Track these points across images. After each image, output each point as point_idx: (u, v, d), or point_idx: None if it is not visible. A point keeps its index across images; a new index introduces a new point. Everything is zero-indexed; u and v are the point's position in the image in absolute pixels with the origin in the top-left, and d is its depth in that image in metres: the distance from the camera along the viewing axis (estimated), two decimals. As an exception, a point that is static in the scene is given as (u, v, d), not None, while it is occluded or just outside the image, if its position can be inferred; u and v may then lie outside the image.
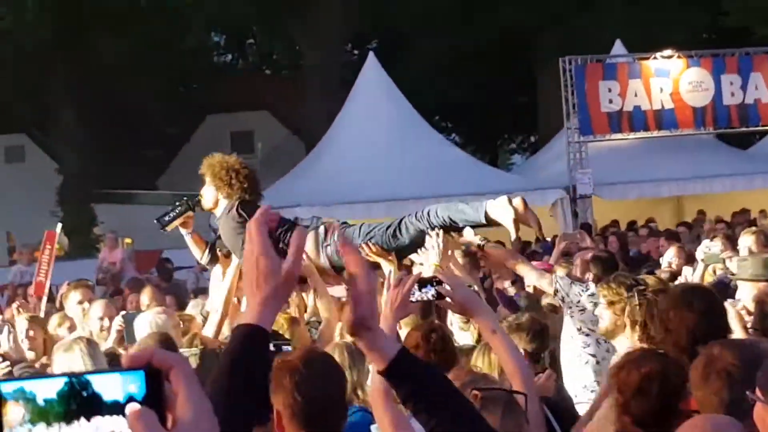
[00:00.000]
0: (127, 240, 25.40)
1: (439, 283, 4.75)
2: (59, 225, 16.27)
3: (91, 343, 6.47)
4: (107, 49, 31.63)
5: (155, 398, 1.72)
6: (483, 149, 48.67)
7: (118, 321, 8.18)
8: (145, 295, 9.90)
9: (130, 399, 1.70)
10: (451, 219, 7.80)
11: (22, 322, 8.75)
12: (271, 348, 4.73)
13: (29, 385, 1.67)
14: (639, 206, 26.53)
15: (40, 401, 1.67)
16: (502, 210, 7.67)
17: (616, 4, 34.97)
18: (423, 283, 4.74)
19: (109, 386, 1.70)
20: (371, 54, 27.47)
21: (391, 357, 3.07)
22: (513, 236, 7.94)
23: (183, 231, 8.62)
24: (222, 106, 40.84)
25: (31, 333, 8.57)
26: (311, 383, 3.83)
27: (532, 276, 8.62)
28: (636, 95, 25.97)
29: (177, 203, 8.60)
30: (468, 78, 40.30)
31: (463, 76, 40.15)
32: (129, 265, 23.06)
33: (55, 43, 31.91)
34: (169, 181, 40.69)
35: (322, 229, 8.12)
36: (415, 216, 7.94)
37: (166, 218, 8.43)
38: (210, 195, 8.28)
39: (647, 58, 26.38)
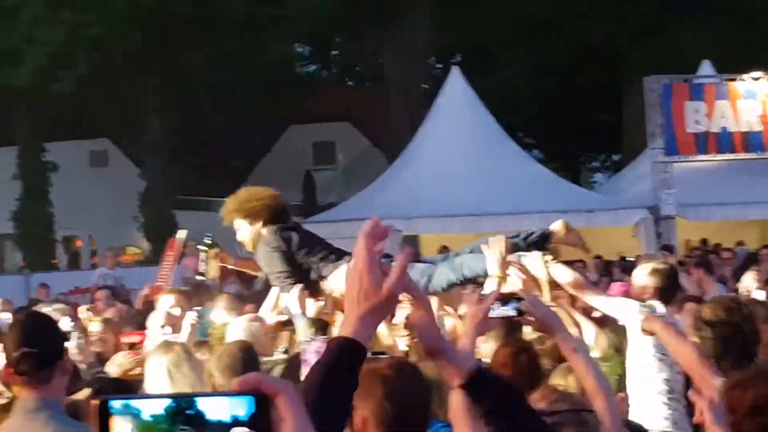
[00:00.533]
0: (202, 248, 25.41)
1: (520, 300, 4.73)
2: (184, 232, 16.39)
3: (186, 348, 6.45)
4: (193, 58, 31.89)
5: (262, 423, 1.76)
6: (565, 166, 48.32)
7: (192, 315, 8.15)
8: (222, 303, 9.83)
9: (236, 422, 1.74)
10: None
11: (95, 326, 8.77)
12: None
13: (136, 403, 1.73)
14: (723, 228, 26.17)
15: (146, 417, 1.72)
16: (536, 264, 7.58)
17: (706, 22, 34.55)
18: (504, 299, 4.73)
19: (216, 408, 1.74)
20: (455, 68, 27.38)
21: (468, 373, 3.14)
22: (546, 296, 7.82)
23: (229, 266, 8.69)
24: (304, 116, 41.01)
25: (104, 336, 8.60)
26: (401, 392, 3.79)
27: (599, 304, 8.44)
28: (723, 116, 25.67)
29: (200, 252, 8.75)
30: (552, 94, 40.08)
31: (547, 91, 39.94)
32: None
33: (142, 51, 32.22)
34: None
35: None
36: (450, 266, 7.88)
37: (202, 270, 8.56)
38: (244, 233, 8.26)
39: (734, 79, 26.05)
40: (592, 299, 8.03)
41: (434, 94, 28.19)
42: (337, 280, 7.96)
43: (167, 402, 1.72)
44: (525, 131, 45.83)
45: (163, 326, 8.49)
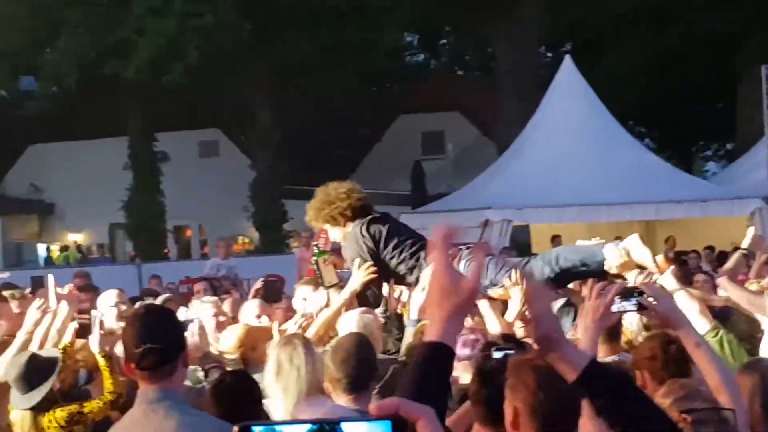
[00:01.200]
0: (318, 236, 25.41)
1: (641, 294, 4.61)
2: None
3: (307, 340, 6.37)
4: (303, 48, 31.92)
5: None
6: (677, 155, 47.54)
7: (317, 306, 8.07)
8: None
9: None
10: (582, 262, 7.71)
11: (206, 309, 8.67)
12: (497, 355, 4.69)
13: (281, 428, 1.79)
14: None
15: None
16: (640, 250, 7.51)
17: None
18: (625, 293, 4.59)
19: None
20: (567, 57, 26.97)
21: (582, 368, 3.08)
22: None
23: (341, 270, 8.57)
24: (414, 106, 40.87)
25: (221, 318, 8.56)
26: (554, 382, 3.63)
27: (743, 299, 8.15)
28: (840, 102, 24.94)
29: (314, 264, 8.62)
30: (664, 82, 39.47)
31: (659, 79, 39.33)
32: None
33: (252, 42, 32.35)
34: (359, 179, 40.63)
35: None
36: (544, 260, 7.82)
37: (321, 281, 8.44)
38: (334, 234, 8.22)
39: None
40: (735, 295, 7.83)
41: (545, 83, 27.82)
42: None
43: (310, 427, 1.77)
44: (636, 120, 45.21)
45: (259, 316, 8.48)
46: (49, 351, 6.95)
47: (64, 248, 40.91)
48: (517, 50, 35.82)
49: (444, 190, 32.04)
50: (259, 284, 11.79)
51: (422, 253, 7.88)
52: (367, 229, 7.93)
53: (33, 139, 42.75)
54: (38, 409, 6.48)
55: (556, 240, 21.00)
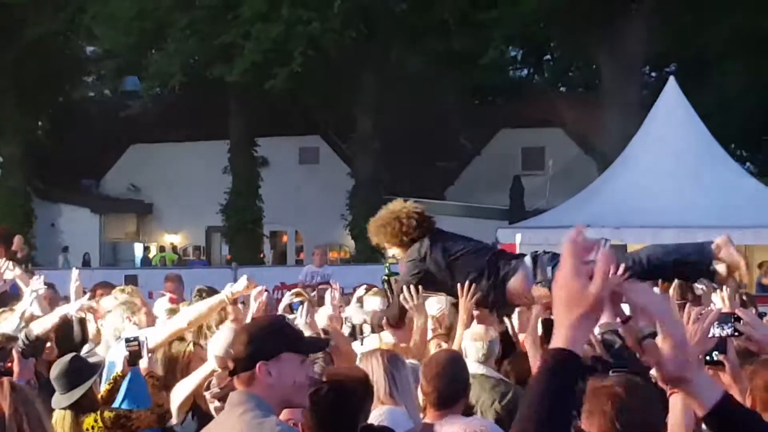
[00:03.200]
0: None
1: (738, 319, 4.57)
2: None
3: (390, 356, 6.43)
4: (408, 58, 31.93)
5: None
6: (778, 181, 46.71)
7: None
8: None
9: None
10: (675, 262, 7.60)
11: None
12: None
13: None
14: None
15: None
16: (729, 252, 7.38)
17: None
18: (722, 319, 4.55)
19: None
20: (672, 78, 26.64)
21: (712, 404, 2.90)
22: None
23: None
24: (515, 121, 40.64)
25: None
26: (633, 412, 3.70)
27: None
28: None
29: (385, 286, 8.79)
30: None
31: (763, 103, 38.71)
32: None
33: (357, 50, 32.43)
34: (457, 191, 40.80)
35: (529, 263, 7.86)
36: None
37: (390, 298, 8.53)
38: (401, 255, 8.19)
39: None
40: None
41: (648, 103, 27.50)
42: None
43: None
44: (738, 143, 44.51)
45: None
46: (95, 356, 7.00)
47: (161, 249, 41.35)
48: (621, 69, 35.49)
49: (542, 206, 31.78)
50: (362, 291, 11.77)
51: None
52: (430, 257, 7.96)
53: (134, 139, 43.29)
54: (80, 410, 6.50)
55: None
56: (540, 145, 41.29)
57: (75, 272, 9.45)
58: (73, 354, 6.90)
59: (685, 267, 7.79)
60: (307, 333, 7.39)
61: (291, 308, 8.24)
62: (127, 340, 7.58)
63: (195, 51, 33.00)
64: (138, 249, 41.36)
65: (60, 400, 6.46)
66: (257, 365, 4.34)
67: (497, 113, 40.51)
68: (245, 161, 37.00)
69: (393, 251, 8.27)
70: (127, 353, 7.35)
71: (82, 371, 6.64)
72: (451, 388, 5.82)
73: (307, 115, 38.08)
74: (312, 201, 37.44)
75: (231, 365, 4.49)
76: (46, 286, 9.13)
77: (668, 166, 23.58)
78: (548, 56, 51.89)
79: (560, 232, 23.13)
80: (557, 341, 2.63)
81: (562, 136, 42.18)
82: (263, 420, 4.25)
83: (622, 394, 3.76)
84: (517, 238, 21.89)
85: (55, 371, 6.53)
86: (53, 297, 10.46)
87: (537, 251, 8.09)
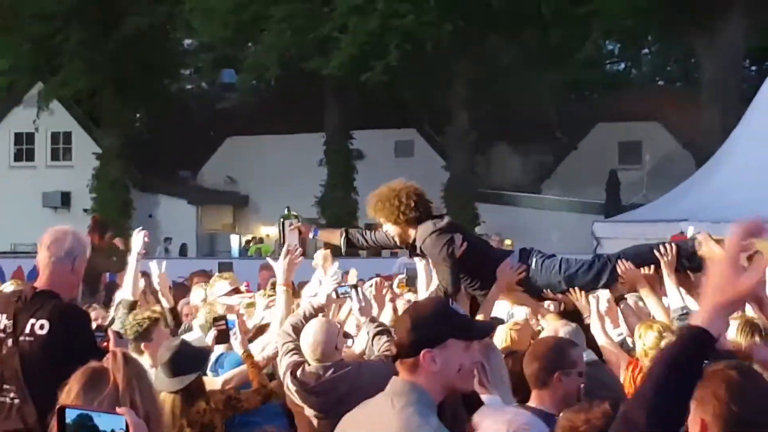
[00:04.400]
0: (507, 241, 25.33)
1: None
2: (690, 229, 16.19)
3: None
4: (505, 51, 31.83)
5: None
6: None
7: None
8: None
9: None
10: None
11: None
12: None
13: None
14: None
15: None
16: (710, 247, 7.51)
17: None
18: None
19: None
20: (773, 71, 26.26)
21: None
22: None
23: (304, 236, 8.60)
24: (612, 114, 40.31)
25: None
26: (748, 397, 3.55)
27: None
28: None
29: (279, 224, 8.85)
30: None
31: None
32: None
33: (453, 43, 32.39)
34: (553, 185, 40.60)
35: (518, 254, 7.99)
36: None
37: (281, 241, 8.70)
38: (394, 232, 8.12)
39: None
40: None
41: (748, 97, 27.12)
42: None
43: None
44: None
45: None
46: (200, 340, 7.06)
47: (259, 240, 41.59)
48: (721, 63, 35.06)
49: (639, 201, 31.54)
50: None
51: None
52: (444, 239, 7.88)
53: (231, 132, 43.64)
54: (189, 394, 6.57)
55: (754, 256, 20.36)
56: (637, 139, 40.89)
57: (154, 264, 9.60)
58: (181, 339, 6.96)
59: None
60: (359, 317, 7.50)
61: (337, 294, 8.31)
62: (215, 320, 7.69)
63: (291, 44, 33.17)
64: (234, 240, 41.64)
65: (169, 383, 6.53)
66: (422, 353, 4.19)
67: (594, 107, 40.20)
68: (341, 154, 37.18)
69: (387, 227, 8.22)
70: (215, 333, 7.45)
71: (192, 357, 6.71)
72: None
73: (402, 108, 38.10)
74: (407, 194, 37.49)
75: (393, 350, 4.34)
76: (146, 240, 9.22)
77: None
78: (646, 50, 51.46)
79: (657, 227, 22.99)
80: (697, 321, 2.65)
81: (660, 130, 41.74)
82: (422, 421, 4.07)
83: (736, 378, 3.62)
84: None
85: (165, 355, 6.59)
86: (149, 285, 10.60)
87: (532, 248, 8.19)
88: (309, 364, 7.11)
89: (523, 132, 38.44)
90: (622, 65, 53.19)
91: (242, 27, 33.97)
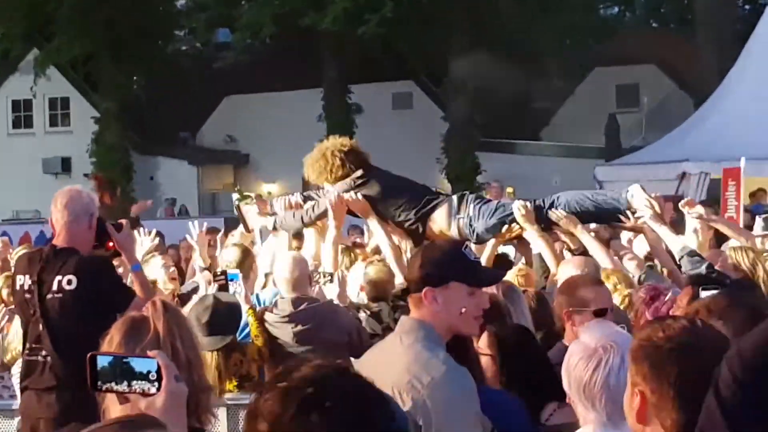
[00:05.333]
0: (509, 189, 25.37)
1: None
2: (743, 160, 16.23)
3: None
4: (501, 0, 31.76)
5: None
6: None
7: None
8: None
9: None
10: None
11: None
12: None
13: None
14: None
15: None
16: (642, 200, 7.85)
17: None
18: None
19: None
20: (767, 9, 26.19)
21: None
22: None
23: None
24: (608, 59, 40.23)
25: None
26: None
27: None
28: None
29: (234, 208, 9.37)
30: None
31: None
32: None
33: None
34: (552, 132, 40.63)
35: (455, 199, 8.41)
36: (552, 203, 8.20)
37: (243, 225, 9.33)
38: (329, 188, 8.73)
39: None
40: None
41: (743, 36, 27.11)
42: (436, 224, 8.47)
43: None
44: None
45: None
46: (228, 296, 7.18)
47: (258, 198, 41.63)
48: (715, 2, 35.02)
49: (638, 144, 31.58)
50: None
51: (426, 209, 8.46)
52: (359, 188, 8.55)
53: (228, 91, 43.52)
54: (227, 347, 6.70)
55: (757, 194, 20.45)
56: (634, 82, 40.86)
57: (194, 224, 9.75)
58: (214, 297, 7.04)
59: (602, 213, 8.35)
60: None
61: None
62: (215, 275, 7.83)
63: (285, 1, 33.08)
64: (236, 199, 41.72)
65: (209, 342, 6.64)
66: (424, 290, 4.32)
67: (589, 52, 40.05)
68: (339, 109, 37.13)
69: (328, 187, 8.70)
70: (216, 287, 7.60)
71: (228, 315, 6.82)
72: None
73: (399, 61, 38.03)
74: (407, 146, 37.34)
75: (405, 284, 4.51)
76: (157, 240, 9.38)
77: (767, 98, 23.26)
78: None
79: (658, 168, 23.09)
80: None
81: (657, 73, 41.71)
82: (431, 354, 4.20)
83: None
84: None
85: (203, 315, 6.66)
86: (160, 246, 10.70)
87: (465, 192, 8.62)
88: (283, 297, 7.35)
89: (520, 79, 38.40)
90: (616, 9, 53.00)
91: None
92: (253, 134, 42.35)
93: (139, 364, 3.00)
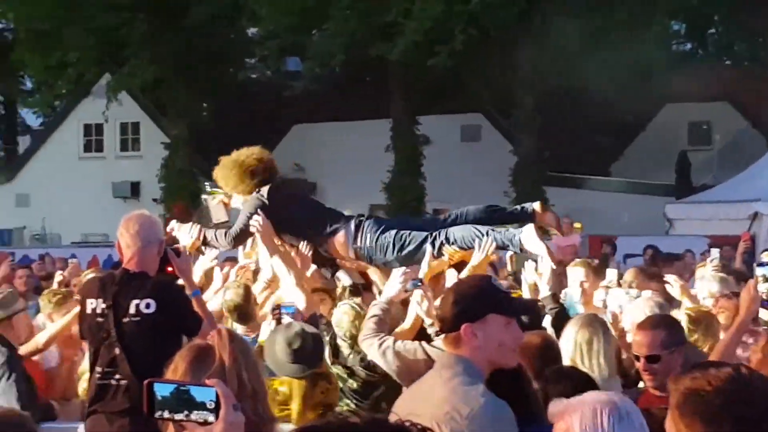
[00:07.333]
0: (577, 225, 25.20)
1: None
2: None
3: (603, 323, 6.80)
4: (569, 33, 31.58)
5: None
6: None
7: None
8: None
9: None
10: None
11: None
12: None
13: None
14: None
15: None
16: (534, 243, 7.56)
17: None
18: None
19: None
20: None
21: None
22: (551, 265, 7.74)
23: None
24: (680, 95, 39.94)
25: None
26: None
27: None
28: None
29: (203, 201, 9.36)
30: None
31: None
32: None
33: (517, 26, 32.24)
34: (621, 168, 40.31)
35: (352, 226, 8.21)
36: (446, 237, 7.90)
37: (209, 218, 9.15)
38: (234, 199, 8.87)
39: None
40: None
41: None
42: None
43: None
44: None
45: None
46: (313, 328, 7.13)
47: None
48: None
49: (709, 182, 31.31)
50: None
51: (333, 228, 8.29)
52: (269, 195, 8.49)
53: (297, 119, 43.69)
54: (316, 377, 6.62)
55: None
56: (706, 119, 40.55)
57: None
58: (301, 326, 6.99)
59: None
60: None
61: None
62: (273, 310, 7.79)
63: (356, 30, 33.16)
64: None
65: (296, 369, 6.55)
66: (462, 327, 4.32)
67: (661, 87, 39.76)
68: (407, 139, 37.09)
69: (237, 199, 8.78)
70: (275, 322, 7.57)
71: (316, 343, 6.77)
72: None
73: (468, 93, 37.96)
74: (474, 178, 37.24)
75: (438, 325, 4.51)
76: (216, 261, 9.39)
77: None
78: (712, 30, 50.96)
79: (729, 207, 22.83)
80: None
81: (729, 110, 41.35)
82: (470, 388, 4.22)
83: None
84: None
85: (296, 341, 6.59)
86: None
87: (363, 217, 8.38)
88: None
89: (589, 114, 38.20)
90: (688, 45, 52.69)
91: (307, 14, 33.99)
92: (321, 163, 42.43)
93: (198, 393, 2.97)
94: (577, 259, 10.63)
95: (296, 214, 8.52)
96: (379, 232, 8.16)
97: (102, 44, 37.92)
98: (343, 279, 8.91)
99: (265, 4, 33.95)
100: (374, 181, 36.76)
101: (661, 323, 5.92)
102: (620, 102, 35.67)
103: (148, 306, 6.40)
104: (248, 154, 8.81)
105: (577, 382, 5.33)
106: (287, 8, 33.45)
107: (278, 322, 7.43)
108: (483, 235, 7.70)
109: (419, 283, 7.21)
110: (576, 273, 9.59)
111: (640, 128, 41.45)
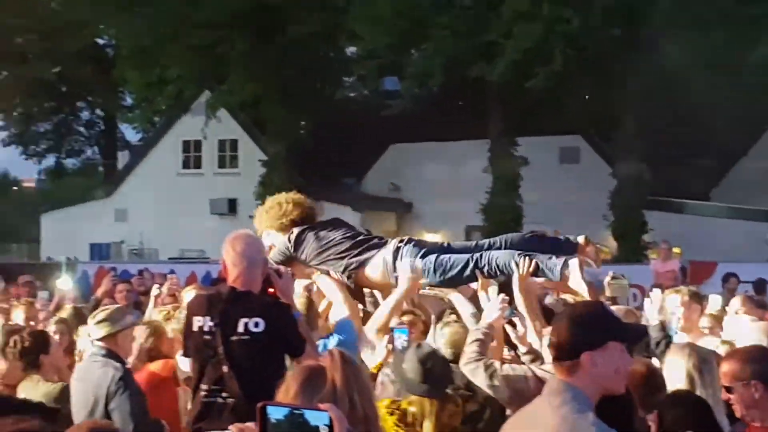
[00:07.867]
0: (676, 249, 24.91)
1: None
2: None
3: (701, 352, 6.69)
4: (673, 54, 31.27)
5: None
6: None
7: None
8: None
9: None
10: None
11: None
12: None
13: None
14: None
15: None
16: (576, 279, 7.43)
17: None
18: None
19: None
20: None
21: None
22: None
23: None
24: (783, 119, 39.41)
25: None
26: None
27: None
28: None
29: None
30: None
31: None
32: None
33: (619, 48, 32.02)
34: (723, 193, 39.75)
35: (390, 257, 8.01)
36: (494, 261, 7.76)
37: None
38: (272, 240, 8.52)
39: None
40: None
41: None
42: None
43: None
44: None
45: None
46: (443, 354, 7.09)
47: (422, 247, 41.66)
48: None
49: (814, 209, 30.82)
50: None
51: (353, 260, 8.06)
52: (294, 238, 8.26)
53: (394, 139, 43.82)
54: (445, 398, 6.59)
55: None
56: (811, 144, 39.95)
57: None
58: (432, 348, 6.96)
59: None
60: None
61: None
62: None
63: (455, 50, 33.15)
64: (398, 247, 41.83)
65: (425, 389, 6.58)
66: (583, 355, 4.22)
67: (765, 111, 39.19)
68: (505, 161, 36.96)
69: (273, 236, 8.51)
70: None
71: (445, 365, 6.77)
72: None
73: (567, 114, 37.76)
74: (573, 201, 37.04)
75: (553, 352, 4.38)
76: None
77: None
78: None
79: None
80: None
81: (836, 135, 40.73)
82: (580, 416, 4.13)
83: None
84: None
85: (429, 361, 6.59)
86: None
87: (402, 241, 8.13)
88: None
89: (690, 137, 37.76)
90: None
91: (406, 34, 34.07)
92: (418, 183, 42.50)
93: (312, 417, 2.97)
94: (682, 287, 10.47)
95: (326, 248, 8.32)
96: (419, 257, 8.03)
97: (201, 61, 38.37)
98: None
99: (364, 23, 34.09)
100: (471, 202, 36.70)
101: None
102: (723, 125, 35.20)
103: (257, 325, 6.40)
104: (283, 197, 8.85)
105: (693, 408, 5.24)
106: (386, 28, 33.55)
107: (392, 344, 7.44)
108: (524, 258, 7.62)
109: (515, 312, 7.17)
110: (674, 300, 9.39)
111: (741, 153, 40.89)
